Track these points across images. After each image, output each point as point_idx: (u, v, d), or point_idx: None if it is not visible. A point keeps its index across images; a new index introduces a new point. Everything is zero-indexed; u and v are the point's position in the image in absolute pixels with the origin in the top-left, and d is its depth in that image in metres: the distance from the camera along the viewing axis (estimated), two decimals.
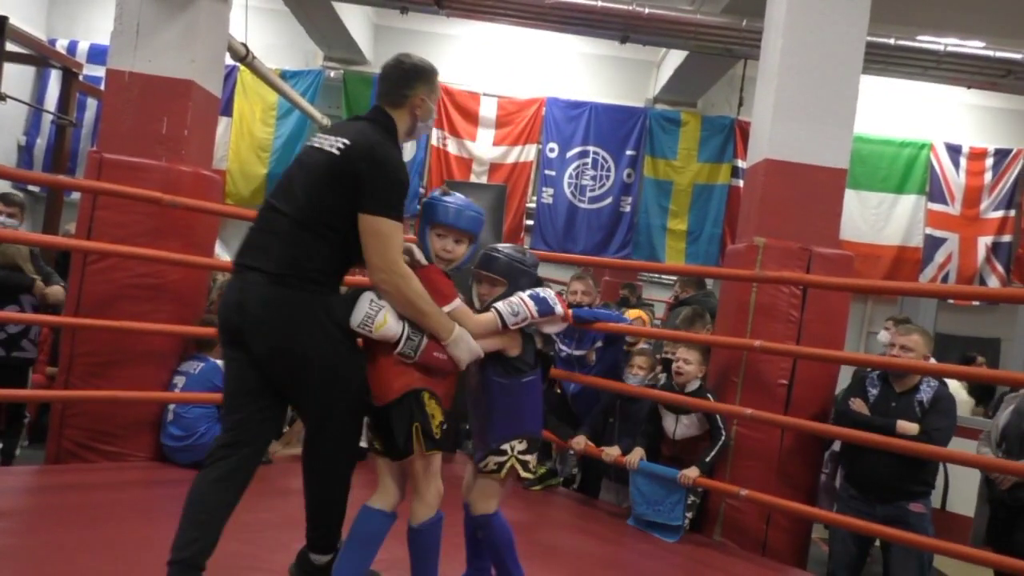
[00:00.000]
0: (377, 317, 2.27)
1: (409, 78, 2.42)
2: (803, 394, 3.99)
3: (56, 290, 4.49)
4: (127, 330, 3.92)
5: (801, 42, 4.14)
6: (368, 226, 2.23)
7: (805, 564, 4.07)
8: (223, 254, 5.71)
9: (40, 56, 7.66)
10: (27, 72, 9.03)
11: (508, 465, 2.48)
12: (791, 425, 3.85)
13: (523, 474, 2.53)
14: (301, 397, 2.37)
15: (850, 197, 7.41)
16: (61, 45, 9.19)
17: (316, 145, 2.35)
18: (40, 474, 3.87)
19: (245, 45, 7.01)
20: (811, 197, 4.12)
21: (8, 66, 6.99)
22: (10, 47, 7.50)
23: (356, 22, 9.82)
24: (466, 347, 2.34)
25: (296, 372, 2.29)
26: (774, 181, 4.15)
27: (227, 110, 8.53)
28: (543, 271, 9.06)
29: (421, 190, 9.02)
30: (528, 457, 2.52)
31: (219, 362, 4.00)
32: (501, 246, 2.61)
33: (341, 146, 2.26)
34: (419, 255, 2.47)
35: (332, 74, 9.40)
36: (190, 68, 4.22)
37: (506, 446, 2.48)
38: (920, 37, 7.00)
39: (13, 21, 7.21)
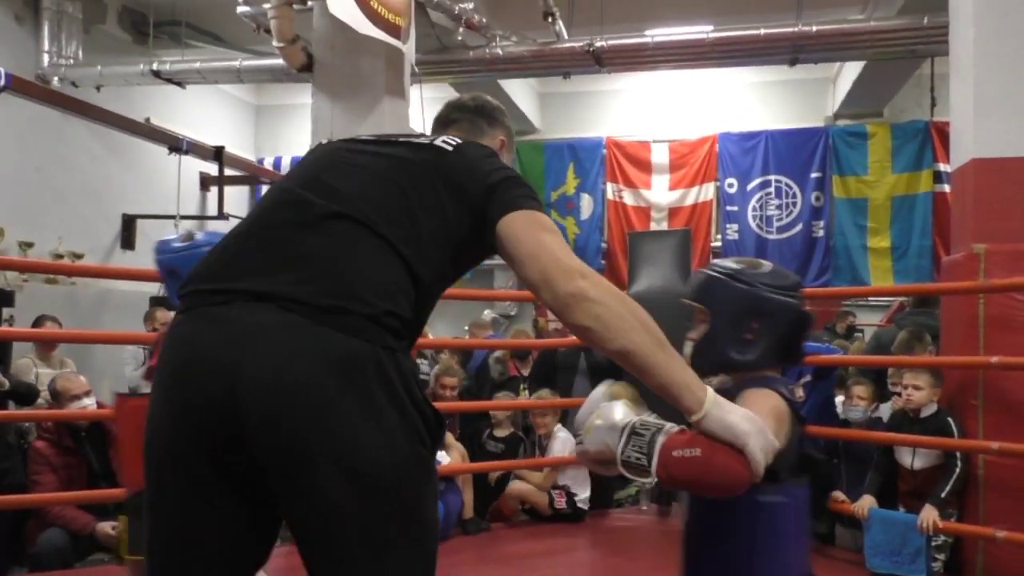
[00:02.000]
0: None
1: (495, 117, 1.72)
2: None
3: None
4: None
5: (994, 29, 3.82)
6: (519, 226, 1.31)
7: None
8: (427, 332, 6.03)
9: (251, 175, 8.61)
10: (242, 191, 10.16)
11: None
12: None
13: None
14: (339, 556, 1.19)
15: None
16: (268, 162, 10.29)
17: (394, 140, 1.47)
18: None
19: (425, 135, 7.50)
20: None
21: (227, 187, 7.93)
22: (227, 171, 8.51)
23: (522, 93, 10.22)
24: (756, 431, 1.22)
25: (342, 508, 1.17)
26: (986, 181, 3.80)
27: None
28: None
29: (603, 245, 9.10)
30: None
31: None
32: (721, 261, 1.69)
33: (453, 143, 1.44)
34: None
35: None
36: None
37: None
38: None
39: (227, 148, 8.21)
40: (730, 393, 1.37)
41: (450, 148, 1.41)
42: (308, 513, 1.18)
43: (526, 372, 5.64)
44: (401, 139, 1.47)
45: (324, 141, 1.57)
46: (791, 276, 1.59)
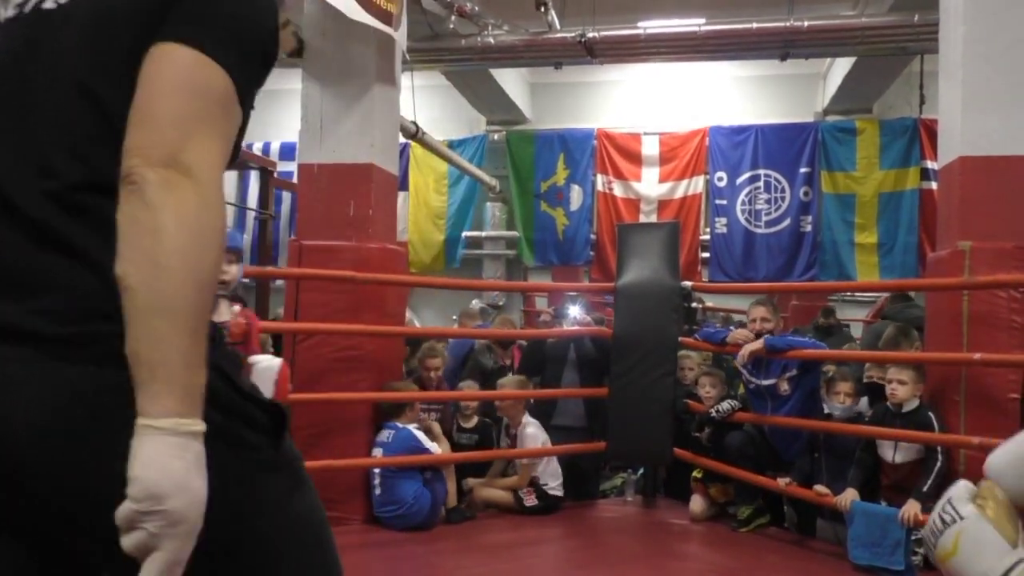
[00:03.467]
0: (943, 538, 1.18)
1: None
2: None
3: None
4: (335, 400, 4.20)
5: (985, 27, 3.83)
6: (175, 68, 0.87)
7: None
8: (414, 320, 6.03)
9: (240, 160, 8.55)
10: (230, 176, 10.08)
11: None
12: None
13: None
14: None
15: None
16: (257, 147, 10.22)
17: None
18: None
19: (415, 123, 7.48)
20: (1019, 191, 3.75)
21: None
22: None
23: (513, 84, 10.19)
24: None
25: None
26: (973, 179, 3.82)
27: (403, 185, 9.08)
28: (723, 302, 8.80)
29: (592, 236, 9.10)
30: None
31: (411, 426, 4.17)
32: None
33: None
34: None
35: (495, 136, 9.79)
36: (369, 152, 4.55)
37: None
38: None
39: None
40: None
41: None
42: None
43: (508, 361, 5.65)
44: None
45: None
46: None
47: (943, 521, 1.29)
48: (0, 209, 0.87)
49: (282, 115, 11.09)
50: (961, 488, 1.30)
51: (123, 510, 0.76)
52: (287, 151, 9.92)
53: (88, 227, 0.85)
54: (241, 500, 0.90)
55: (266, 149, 10.24)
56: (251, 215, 9.83)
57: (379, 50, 4.59)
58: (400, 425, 4.24)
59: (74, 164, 0.87)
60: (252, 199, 9.99)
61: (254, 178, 10.03)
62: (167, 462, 0.77)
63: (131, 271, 0.79)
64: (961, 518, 1.21)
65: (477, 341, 5.80)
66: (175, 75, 0.86)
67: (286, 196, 9.82)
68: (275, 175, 8.63)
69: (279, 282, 7.51)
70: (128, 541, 0.76)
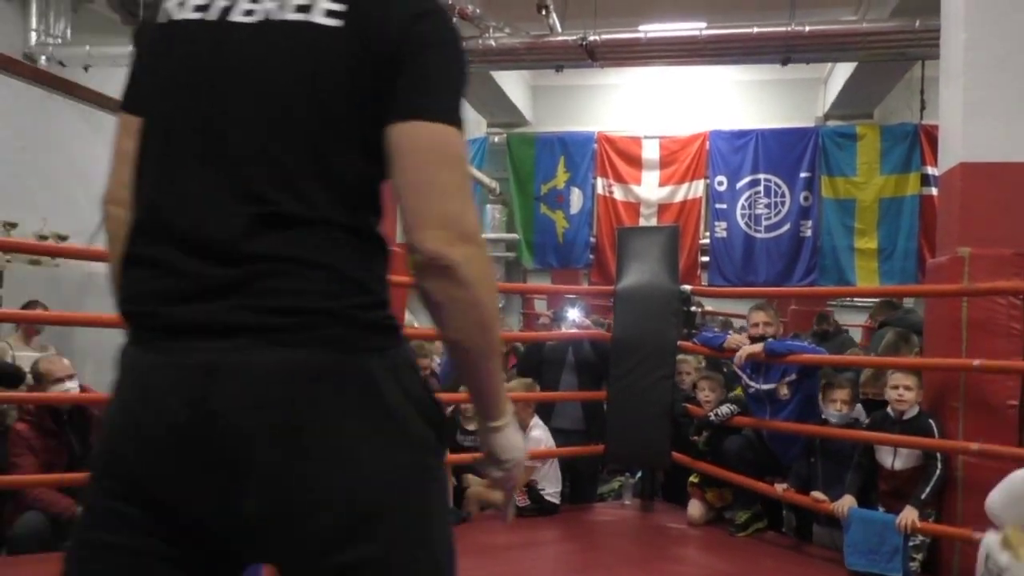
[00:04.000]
0: None
1: None
2: None
3: None
4: None
5: (986, 33, 3.84)
6: (424, 141, 1.00)
7: None
8: (413, 323, 6.02)
9: None
10: None
11: None
12: None
13: None
14: None
15: None
16: None
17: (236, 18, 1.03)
18: None
19: None
20: (1019, 198, 3.75)
21: None
22: None
23: (514, 86, 10.20)
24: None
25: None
26: (973, 185, 3.82)
27: None
28: (723, 306, 8.78)
29: (592, 240, 9.10)
30: None
31: None
32: None
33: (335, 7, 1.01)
34: None
35: (496, 139, 9.79)
36: None
37: None
38: None
39: None
40: None
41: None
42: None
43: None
44: None
45: None
46: None
47: (991, 573, 1.46)
48: (212, 233, 0.97)
49: None
50: (991, 542, 1.46)
51: (493, 472, 1.20)
52: None
53: (308, 247, 0.97)
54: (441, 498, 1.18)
55: None
56: None
57: None
58: None
59: (284, 195, 0.98)
60: None
61: None
62: (509, 441, 1.16)
63: (464, 336, 1.02)
64: (1005, 568, 1.42)
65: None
66: (439, 149, 0.99)
67: None
68: None
69: None
70: (496, 478, 1.21)
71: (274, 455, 0.94)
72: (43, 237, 7.00)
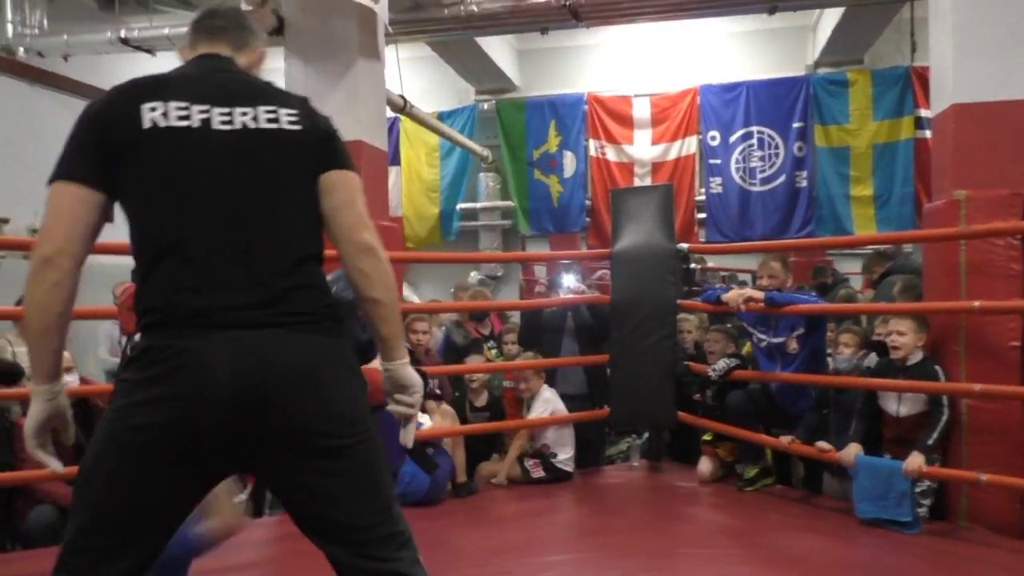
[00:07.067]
0: None
1: (255, 29, 1.85)
2: None
3: None
4: None
5: None
6: (346, 180, 1.67)
7: None
8: (412, 296, 6.01)
9: None
10: None
11: None
12: None
13: None
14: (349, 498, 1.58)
15: None
16: None
17: (228, 125, 1.57)
18: (284, 524, 4.21)
19: (402, 96, 7.39)
20: (1013, 137, 3.71)
21: None
22: None
23: (500, 52, 10.07)
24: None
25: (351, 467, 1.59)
26: (966, 127, 3.78)
27: (395, 159, 9.00)
28: (721, 262, 8.82)
29: (587, 202, 9.04)
30: None
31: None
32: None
33: (293, 117, 1.63)
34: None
35: (485, 106, 9.68)
36: (357, 129, 4.49)
37: None
38: None
39: None
40: None
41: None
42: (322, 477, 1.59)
43: (486, 332, 5.66)
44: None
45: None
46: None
47: None
48: (260, 266, 1.55)
49: None
50: None
51: (400, 398, 1.75)
52: None
53: (313, 274, 1.63)
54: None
55: None
56: None
57: (361, 23, 4.52)
58: None
59: (299, 242, 1.61)
60: None
61: None
62: (411, 374, 1.73)
63: (382, 295, 1.65)
64: None
65: (448, 318, 5.78)
66: (354, 187, 1.68)
67: None
68: None
69: None
70: (399, 411, 1.76)
71: (303, 389, 1.52)
72: (35, 231, 6.96)
